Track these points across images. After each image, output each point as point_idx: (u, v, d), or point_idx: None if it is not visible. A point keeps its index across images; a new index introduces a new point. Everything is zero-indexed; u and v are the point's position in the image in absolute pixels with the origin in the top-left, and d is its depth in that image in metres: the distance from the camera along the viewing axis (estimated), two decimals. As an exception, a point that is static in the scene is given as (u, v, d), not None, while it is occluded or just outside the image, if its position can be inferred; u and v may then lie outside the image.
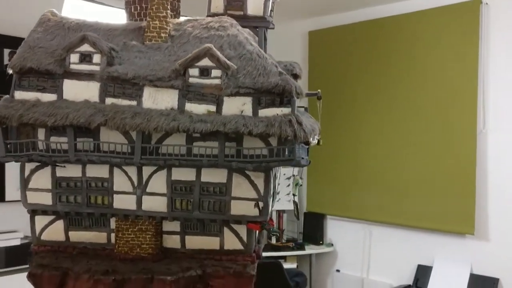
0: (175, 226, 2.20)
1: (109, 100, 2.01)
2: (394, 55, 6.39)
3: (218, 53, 1.96)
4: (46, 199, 2.16)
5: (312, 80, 7.24)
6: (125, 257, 2.18)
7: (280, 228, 7.51)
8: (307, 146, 2.20)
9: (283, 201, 7.47)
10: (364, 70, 6.71)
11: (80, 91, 2.02)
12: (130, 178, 2.12)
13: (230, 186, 2.10)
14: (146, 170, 2.10)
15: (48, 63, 2.01)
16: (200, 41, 2.12)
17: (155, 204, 2.13)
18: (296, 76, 2.23)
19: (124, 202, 2.13)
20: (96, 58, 2.02)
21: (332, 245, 7.25)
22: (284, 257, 7.15)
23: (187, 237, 2.22)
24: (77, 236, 2.25)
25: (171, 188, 2.10)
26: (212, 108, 1.98)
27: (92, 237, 2.24)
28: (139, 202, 2.13)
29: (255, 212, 2.11)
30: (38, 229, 2.25)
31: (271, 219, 2.20)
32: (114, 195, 2.13)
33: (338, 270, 7.18)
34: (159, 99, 1.99)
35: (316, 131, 2.06)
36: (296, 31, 7.57)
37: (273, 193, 2.11)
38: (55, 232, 2.25)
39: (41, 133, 2.05)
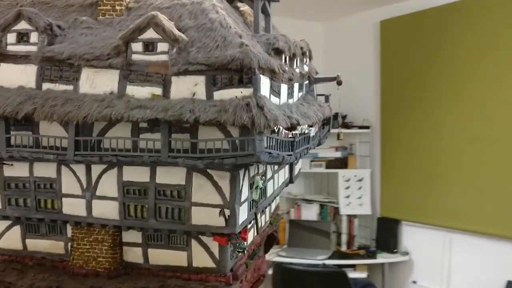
0: (136, 237, 1.83)
1: (46, 86, 1.69)
2: (474, 41, 5.57)
3: (165, 21, 1.56)
4: (-6, 201, 1.89)
5: (385, 73, 6.59)
6: (79, 271, 1.85)
7: (351, 234, 6.93)
8: (292, 138, 1.73)
9: (354, 204, 6.89)
10: (442, 59, 5.94)
11: (16, 76, 1.72)
12: (78, 179, 1.78)
13: (190, 189, 1.69)
14: (95, 170, 1.75)
15: (-17, 45, 1.73)
16: (159, 11, 1.73)
17: (106, 210, 1.77)
18: (278, 51, 1.76)
19: (73, 207, 1.81)
20: (34, 37, 1.70)
21: (408, 253, 6.53)
22: (353, 266, 6.57)
23: (150, 250, 1.84)
24: (34, 244, 1.96)
25: (122, 191, 1.74)
26: (158, 90, 1.58)
27: (49, 246, 1.94)
28: (89, 207, 1.78)
29: (220, 222, 1.68)
30: (-5, 235, 1.99)
31: (244, 231, 1.74)
32: (63, 199, 1.81)
33: (414, 282, 6.45)
34: (98, 82, 1.63)
35: (291, 119, 1.58)
36: (366, 22, 6.94)
37: (258, 197, 1.67)
38: (12, 239, 1.97)
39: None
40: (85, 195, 1.78)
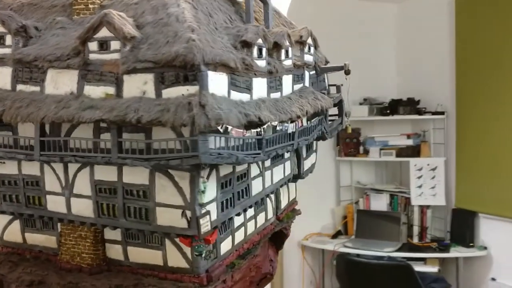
0: (115, 234, 1.84)
1: (19, 87, 1.73)
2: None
3: (116, 19, 1.53)
4: (-7, 197, 1.99)
5: (461, 55, 6.12)
6: (65, 266, 1.90)
7: (423, 226, 6.59)
8: (259, 137, 1.64)
9: (426, 195, 6.55)
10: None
11: (-6, 78, 1.78)
12: (58, 177, 1.82)
13: (154, 190, 1.65)
14: (72, 168, 1.78)
15: (-33, 50, 1.81)
16: (127, 8, 1.70)
17: (82, 207, 1.79)
18: (246, 44, 1.66)
19: (56, 204, 1.85)
20: (9, 39, 1.75)
21: (486, 248, 6.08)
22: (424, 259, 6.25)
23: (129, 248, 1.84)
24: (32, 238, 2.04)
25: (95, 189, 1.75)
26: (111, 90, 1.56)
27: (44, 240, 2.01)
28: (68, 205, 1.82)
29: (183, 223, 1.63)
30: (0, 228, 2.10)
31: (211, 233, 1.68)
32: (47, 196, 1.86)
33: (493, 279, 6.01)
34: (60, 83, 1.64)
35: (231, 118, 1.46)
36: (441, 1, 6.48)
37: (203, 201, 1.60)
38: (13, 233, 2.07)
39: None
40: (64, 192, 1.81)
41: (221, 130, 1.42)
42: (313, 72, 2.32)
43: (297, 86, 2.12)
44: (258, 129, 1.60)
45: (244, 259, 2.04)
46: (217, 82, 1.50)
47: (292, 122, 1.81)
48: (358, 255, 6.09)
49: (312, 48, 2.26)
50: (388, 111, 6.69)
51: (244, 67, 1.61)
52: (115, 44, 1.55)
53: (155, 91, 1.50)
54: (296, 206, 2.69)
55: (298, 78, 2.12)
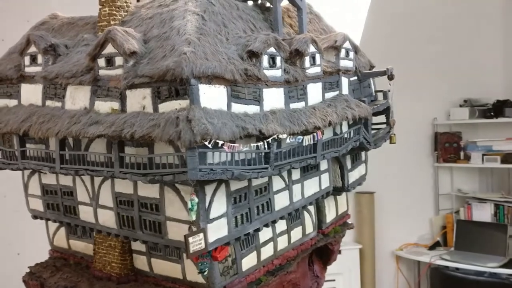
0: (141, 245, 1.87)
1: (47, 103, 1.83)
2: None
3: (119, 35, 1.55)
4: (40, 205, 2.12)
5: None
6: (97, 274, 1.97)
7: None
8: (267, 151, 1.56)
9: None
10: None
11: (30, 95, 1.90)
12: (87, 188, 1.89)
13: (163, 203, 1.65)
14: (96, 180, 1.84)
15: (9, 69, 1.95)
16: (142, 23, 1.73)
17: (107, 218, 1.85)
18: (254, 55, 1.59)
19: (86, 213, 1.93)
20: (40, 58, 1.86)
21: None
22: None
23: (153, 260, 1.86)
24: (74, 245, 2.15)
25: (116, 201, 1.79)
26: (115, 105, 1.58)
27: (84, 247, 2.11)
28: (95, 215, 1.88)
29: (189, 238, 1.61)
30: (50, 233, 2.24)
31: (220, 248, 1.63)
32: (79, 206, 1.95)
33: None
34: (76, 98, 1.70)
35: (222, 132, 1.40)
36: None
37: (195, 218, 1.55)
38: (60, 239, 2.20)
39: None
40: (92, 203, 1.87)
41: (209, 145, 1.36)
42: (354, 78, 2.18)
43: (331, 94, 2.00)
44: (260, 143, 1.52)
45: (274, 275, 1.96)
46: (212, 95, 1.46)
47: (309, 133, 1.70)
48: (457, 269, 5.64)
49: (351, 53, 2.12)
50: (492, 113, 6.12)
51: (247, 78, 1.54)
52: (119, 60, 1.57)
53: (152, 105, 1.50)
54: (348, 219, 2.55)
55: (331, 86, 2.00)
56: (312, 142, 1.72)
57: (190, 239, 1.43)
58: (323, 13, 2.33)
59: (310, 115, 1.74)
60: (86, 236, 2.08)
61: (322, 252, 2.38)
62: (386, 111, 2.29)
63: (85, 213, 1.93)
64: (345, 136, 1.99)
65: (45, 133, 1.69)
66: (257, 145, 1.52)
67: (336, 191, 2.27)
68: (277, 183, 1.86)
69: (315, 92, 1.90)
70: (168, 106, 1.46)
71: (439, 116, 6.36)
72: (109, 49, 1.59)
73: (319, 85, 1.93)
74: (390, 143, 2.26)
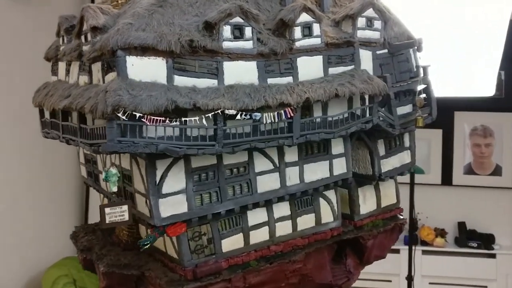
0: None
1: (66, 79, 1.99)
2: None
3: (89, 12, 1.60)
4: (85, 173, 2.33)
5: None
6: (115, 240, 2.09)
7: None
8: (213, 127, 1.49)
9: None
10: None
11: (60, 72, 2.06)
12: (101, 158, 2.02)
13: (132, 175, 1.69)
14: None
15: (52, 49, 2.16)
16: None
17: (109, 188, 1.95)
18: (209, 26, 1.51)
19: (102, 183, 2.06)
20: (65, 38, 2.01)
21: None
22: None
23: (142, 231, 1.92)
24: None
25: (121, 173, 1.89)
26: (86, 79, 1.68)
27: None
28: (106, 185, 2.01)
29: (147, 211, 1.62)
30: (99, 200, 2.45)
31: (176, 225, 1.60)
32: (99, 174, 2.09)
33: None
34: (72, 74, 1.85)
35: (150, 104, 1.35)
36: None
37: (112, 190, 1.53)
38: (106, 206, 2.39)
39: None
40: (103, 173, 2.00)
41: (122, 117, 1.35)
42: (383, 51, 1.90)
43: (341, 69, 1.79)
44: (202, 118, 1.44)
45: (270, 262, 1.85)
46: (144, 67, 1.43)
47: (275, 111, 1.55)
48: None
49: (377, 23, 1.86)
50: None
51: (191, 50, 1.47)
52: (89, 36, 1.63)
53: (102, 78, 1.54)
54: (399, 213, 2.26)
55: (340, 59, 1.79)
56: (276, 120, 1.57)
57: (107, 210, 1.44)
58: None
59: (283, 91, 1.59)
60: (113, 204, 2.22)
61: (357, 247, 2.15)
62: (427, 90, 1.95)
63: (102, 182, 2.06)
64: (344, 116, 1.76)
65: (48, 106, 1.85)
66: (189, 120, 1.44)
67: (367, 179, 2.03)
68: (261, 163, 1.74)
69: (311, 67, 1.72)
70: (108, 79, 1.48)
71: None
72: (85, 26, 1.66)
73: (317, 59, 1.74)
74: (416, 126, 1.92)
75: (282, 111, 1.57)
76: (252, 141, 1.58)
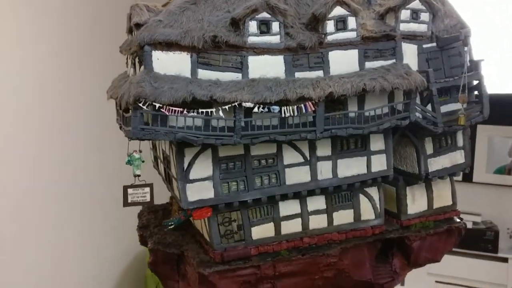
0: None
1: (131, 70, 2.18)
2: None
3: (136, 10, 1.76)
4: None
5: None
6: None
7: None
8: (232, 118, 1.56)
9: None
10: None
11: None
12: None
13: (171, 160, 1.82)
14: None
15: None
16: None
17: (161, 171, 2.11)
18: (235, 22, 1.57)
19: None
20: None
21: None
22: None
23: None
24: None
25: (162, 157, 2.05)
26: (132, 71, 1.83)
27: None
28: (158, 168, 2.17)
29: (178, 194, 1.74)
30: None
31: (202, 209, 1.70)
32: (159, 160, 2.26)
33: None
34: (130, 66, 2.01)
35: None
36: None
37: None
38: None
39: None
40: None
41: (144, 107, 1.47)
42: (431, 45, 1.81)
43: (380, 63, 1.75)
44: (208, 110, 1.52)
45: (302, 253, 1.88)
46: (169, 61, 1.54)
47: (294, 105, 1.57)
48: None
49: (424, 15, 1.78)
50: None
51: (213, 46, 1.55)
52: (134, 31, 1.77)
53: (138, 70, 1.68)
54: (457, 215, 2.14)
55: (379, 53, 1.75)
56: (296, 114, 1.58)
57: (130, 190, 1.58)
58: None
59: (307, 85, 1.60)
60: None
61: (404, 247, 2.09)
62: (478, 86, 1.81)
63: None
64: (377, 112, 1.71)
65: (108, 97, 2.04)
66: (208, 112, 1.52)
67: (414, 178, 1.96)
68: (291, 156, 1.76)
69: (345, 61, 1.71)
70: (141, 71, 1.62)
71: None
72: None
73: (352, 53, 1.71)
74: (457, 125, 1.79)
75: (303, 105, 1.59)
76: (271, 134, 1.61)
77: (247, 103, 1.54)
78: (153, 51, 1.53)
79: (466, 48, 1.74)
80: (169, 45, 1.54)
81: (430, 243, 2.09)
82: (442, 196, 2.08)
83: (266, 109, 1.56)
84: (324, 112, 1.64)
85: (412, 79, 1.68)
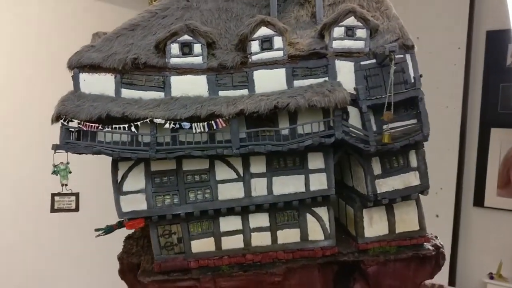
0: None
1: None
2: None
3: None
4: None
5: None
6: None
7: None
8: (137, 133, 1.67)
9: None
10: None
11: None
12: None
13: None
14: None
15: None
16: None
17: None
18: (157, 45, 1.69)
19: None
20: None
21: None
22: None
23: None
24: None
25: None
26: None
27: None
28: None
29: (118, 206, 1.87)
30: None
31: (135, 221, 1.80)
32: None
33: None
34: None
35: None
36: None
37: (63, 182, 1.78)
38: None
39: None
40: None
41: (64, 123, 1.63)
42: (370, 61, 1.76)
43: (310, 81, 1.74)
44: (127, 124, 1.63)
45: (244, 270, 1.90)
46: (94, 82, 1.69)
47: (205, 121, 1.63)
48: None
49: (360, 31, 1.74)
50: None
51: (132, 68, 1.68)
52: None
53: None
54: (425, 242, 2.00)
55: (309, 72, 1.74)
56: (206, 130, 1.63)
57: (56, 198, 1.72)
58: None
59: (220, 103, 1.65)
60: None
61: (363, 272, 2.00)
62: (417, 103, 1.70)
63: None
64: (303, 131, 1.69)
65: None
66: (121, 127, 1.64)
67: (364, 200, 1.88)
68: (223, 172, 1.80)
69: (272, 79, 1.73)
70: (80, 91, 1.79)
71: None
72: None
73: (280, 71, 1.73)
74: (382, 143, 1.67)
75: (213, 122, 1.64)
76: (187, 149, 1.68)
77: (157, 120, 1.63)
78: (80, 73, 1.70)
79: (392, 64, 1.65)
80: (94, 68, 1.70)
81: (394, 270, 1.98)
82: (406, 220, 1.97)
83: (177, 125, 1.64)
84: (238, 129, 1.67)
85: (332, 97, 1.65)
